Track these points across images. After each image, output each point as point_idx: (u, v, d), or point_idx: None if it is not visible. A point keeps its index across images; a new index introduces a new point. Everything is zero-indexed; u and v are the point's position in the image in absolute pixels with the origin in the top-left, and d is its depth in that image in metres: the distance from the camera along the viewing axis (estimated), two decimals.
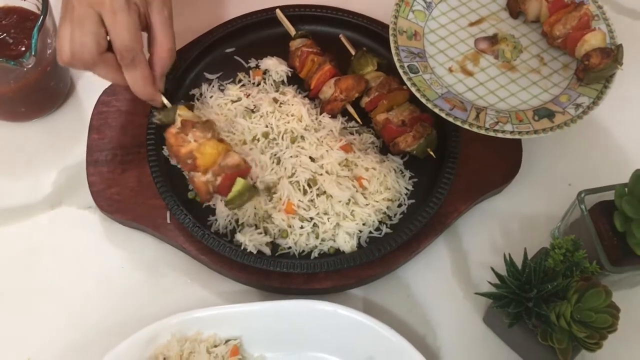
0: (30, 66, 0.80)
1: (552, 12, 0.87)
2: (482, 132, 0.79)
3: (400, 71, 0.83)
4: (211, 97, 0.90)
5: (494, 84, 0.86)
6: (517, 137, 0.79)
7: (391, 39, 0.86)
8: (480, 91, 0.85)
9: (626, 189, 0.74)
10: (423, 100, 0.81)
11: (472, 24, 0.91)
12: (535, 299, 0.69)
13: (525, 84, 0.86)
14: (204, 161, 0.75)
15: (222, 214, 0.82)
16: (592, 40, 0.84)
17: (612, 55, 0.81)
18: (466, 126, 0.79)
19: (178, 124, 0.77)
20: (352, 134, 0.88)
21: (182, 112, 0.78)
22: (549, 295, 0.69)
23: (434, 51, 0.88)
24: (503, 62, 0.87)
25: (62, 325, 0.80)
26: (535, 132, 0.79)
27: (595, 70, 0.82)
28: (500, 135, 0.79)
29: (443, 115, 0.80)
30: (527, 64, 0.88)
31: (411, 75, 0.83)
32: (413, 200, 0.85)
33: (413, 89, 0.82)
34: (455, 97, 0.83)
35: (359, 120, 0.89)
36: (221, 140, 0.78)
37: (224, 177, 0.75)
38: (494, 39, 0.89)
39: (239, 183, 0.75)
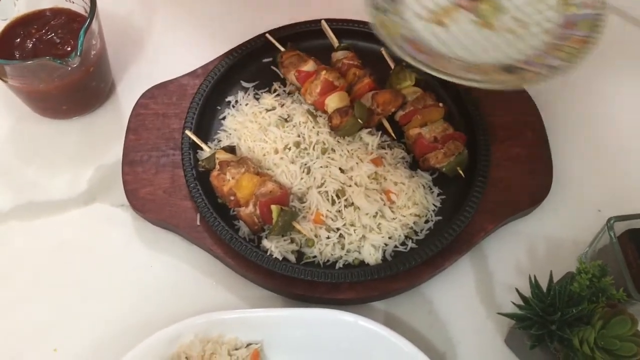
0: (75, 66, 0.83)
1: None
2: (438, 75, 0.72)
3: (368, 7, 0.77)
4: (246, 104, 0.92)
5: (466, 38, 0.81)
6: (473, 84, 0.72)
7: None
8: (450, 41, 0.80)
9: None
10: (387, 41, 0.74)
11: None
12: (559, 322, 0.68)
13: (499, 42, 0.81)
14: (242, 194, 0.81)
15: None
16: None
17: None
18: (421, 66, 0.72)
19: (217, 166, 0.83)
20: (383, 148, 0.89)
21: (219, 155, 0.84)
22: (573, 320, 0.69)
23: None
24: (481, 19, 0.82)
25: (89, 319, 0.82)
26: (496, 83, 0.74)
27: None
28: (455, 80, 0.72)
29: (406, 57, 0.73)
30: (506, 24, 0.82)
31: (377, 13, 0.78)
32: (440, 217, 0.85)
33: (375, 27, 0.75)
34: (421, 42, 0.78)
35: (393, 135, 0.89)
36: (258, 174, 0.82)
37: (260, 205, 0.80)
38: None
39: (274, 210, 0.79)
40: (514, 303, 0.72)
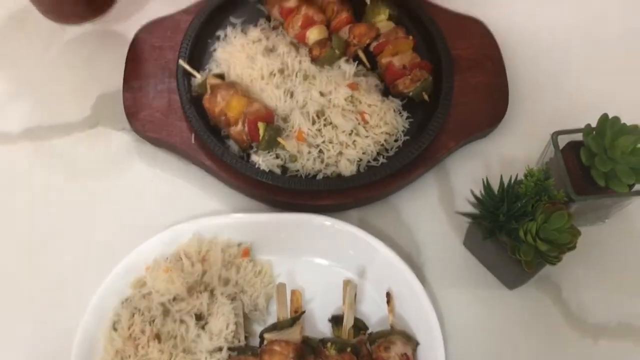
0: None
1: None
2: None
3: None
4: (235, 37, 1.01)
5: None
6: None
7: None
8: None
9: (594, 131, 0.85)
10: None
11: None
12: (507, 216, 0.80)
13: None
14: (232, 113, 0.90)
15: None
16: None
17: None
18: None
19: (209, 90, 0.92)
20: (359, 76, 0.99)
21: (210, 80, 0.94)
22: (519, 215, 0.80)
23: None
24: None
25: (95, 224, 0.93)
26: None
27: None
28: None
29: None
30: None
31: None
32: (408, 137, 0.96)
33: None
34: None
35: (367, 64, 0.99)
36: (245, 96, 0.91)
37: (248, 122, 0.89)
38: None
39: (260, 127, 0.89)
40: (468, 201, 0.83)
